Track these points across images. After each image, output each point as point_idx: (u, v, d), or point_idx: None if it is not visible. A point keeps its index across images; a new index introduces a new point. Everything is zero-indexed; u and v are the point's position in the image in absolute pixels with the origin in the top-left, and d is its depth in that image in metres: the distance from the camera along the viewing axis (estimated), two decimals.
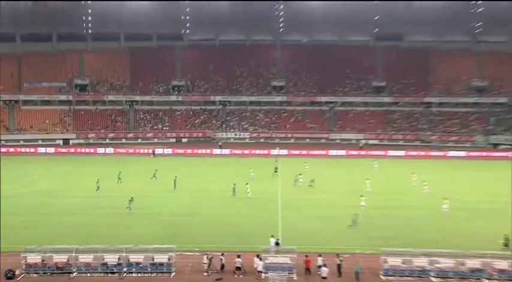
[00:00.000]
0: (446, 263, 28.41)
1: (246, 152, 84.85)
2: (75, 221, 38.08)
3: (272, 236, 31.54)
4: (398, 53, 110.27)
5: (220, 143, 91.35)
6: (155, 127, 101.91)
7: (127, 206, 40.98)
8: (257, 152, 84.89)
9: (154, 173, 55.78)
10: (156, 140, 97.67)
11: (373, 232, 35.56)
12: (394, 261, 28.67)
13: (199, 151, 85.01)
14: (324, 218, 39.75)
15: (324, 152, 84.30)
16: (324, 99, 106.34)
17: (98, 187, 48.45)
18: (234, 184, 47.08)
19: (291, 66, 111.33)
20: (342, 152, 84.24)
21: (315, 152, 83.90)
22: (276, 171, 57.76)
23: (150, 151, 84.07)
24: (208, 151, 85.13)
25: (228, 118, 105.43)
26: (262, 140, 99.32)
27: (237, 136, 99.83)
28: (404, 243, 32.10)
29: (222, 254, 29.65)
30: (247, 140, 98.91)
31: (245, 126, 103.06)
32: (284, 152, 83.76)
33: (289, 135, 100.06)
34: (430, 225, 38.51)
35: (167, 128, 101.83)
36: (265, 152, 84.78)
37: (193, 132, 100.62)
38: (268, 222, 38.00)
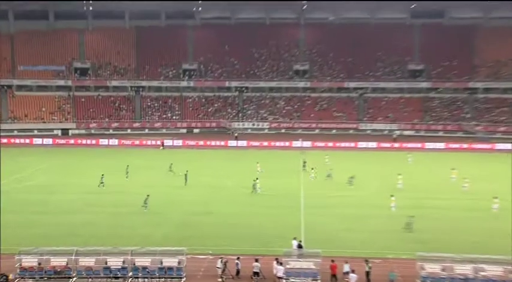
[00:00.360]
0: (493, 271, 27.74)
1: (265, 143, 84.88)
2: (74, 220, 38.42)
3: (294, 238, 31.37)
4: (439, 31, 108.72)
5: (236, 134, 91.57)
6: (164, 116, 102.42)
7: (143, 205, 41.16)
8: (277, 144, 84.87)
9: (171, 167, 56.22)
10: (164, 131, 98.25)
11: (407, 234, 35.14)
12: (433, 268, 28.16)
13: (213, 143, 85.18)
14: (352, 217, 39.53)
15: (352, 144, 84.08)
16: (352, 84, 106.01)
17: (102, 183, 48.79)
18: (256, 179, 47.06)
19: (316, 48, 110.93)
20: (373, 144, 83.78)
21: (342, 144, 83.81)
22: (304, 166, 57.74)
23: (159, 143, 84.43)
24: (222, 143, 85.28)
25: (245, 106, 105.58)
26: (283, 131, 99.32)
27: (254, 126, 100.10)
28: (444, 248, 31.78)
29: (238, 258, 29.68)
30: (266, 131, 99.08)
31: (264, 115, 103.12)
32: (308, 144, 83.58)
33: (314, 125, 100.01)
34: (474, 227, 37.86)
35: (177, 117, 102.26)
36: (287, 143, 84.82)
37: (206, 122, 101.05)
38: (290, 223, 37.90)
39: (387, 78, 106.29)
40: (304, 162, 58.82)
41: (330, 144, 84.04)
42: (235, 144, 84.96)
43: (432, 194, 47.13)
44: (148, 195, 41.20)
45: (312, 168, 55.39)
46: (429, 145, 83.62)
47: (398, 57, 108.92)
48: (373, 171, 60.24)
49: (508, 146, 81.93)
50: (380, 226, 37.49)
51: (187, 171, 52.02)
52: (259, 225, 37.92)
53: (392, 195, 40.41)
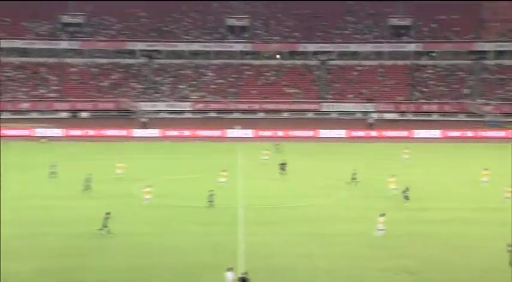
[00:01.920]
0: None
1: (187, 133, 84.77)
2: None
3: (230, 269, 31.03)
4: None
5: (144, 120, 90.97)
6: (34, 93, 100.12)
7: (207, 201, 44.48)
8: (205, 133, 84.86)
9: (52, 168, 55.30)
10: (35, 115, 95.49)
11: (390, 261, 35.08)
12: None
13: (110, 133, 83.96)
14: (313, 237, 39.60)
15: (311, 133, 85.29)
16: (311, 48, 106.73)
17: None
18: (211, 191, 47.38)
19: None
20: (341, 133, 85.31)
21: (297, 133, 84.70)
22: (283, 169, 58.04)
23: (28, 133, 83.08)
24: (124, 133, 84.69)
25: (157, 79, 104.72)
26: (212, 114, 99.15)
27: (171, 108, 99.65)
28: (440, 279, 32.37)
29: None
30: (188, 115, 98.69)
31: (185, 91, 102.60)
32: (248, 132, 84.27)
33: (256, 106, 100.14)
34: (490, 249, 38.58)
35: (55, 95, 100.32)
36: (218, 133, 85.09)
37: (99, 102, 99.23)
38: (224, 246, 37.74)
39: (360, 38, 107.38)
40: (283, 164, 58.58)
41: (280, 133, 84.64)
42: (143, 134, 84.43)
43: (451, 202, 48.19)
44: (212, 191, 42.50)
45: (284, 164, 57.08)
46: (419, 133, 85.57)
47: (375, 9, 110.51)
48: (342, 170, 60.24)
49: None
50: (355, 250, 37.33)
51: (90, 174, 51.58)
52: (180, 249, 37.07)
53: (382, 215, 40.60)
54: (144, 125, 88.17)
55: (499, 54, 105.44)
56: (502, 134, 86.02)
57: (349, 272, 33.94)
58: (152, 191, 46.96)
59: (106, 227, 39.59)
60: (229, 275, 30.29)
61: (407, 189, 47.34)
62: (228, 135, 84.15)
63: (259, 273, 32.36)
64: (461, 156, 69.75)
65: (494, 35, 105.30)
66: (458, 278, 32.83)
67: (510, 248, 32.49)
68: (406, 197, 47.20)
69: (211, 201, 46.09)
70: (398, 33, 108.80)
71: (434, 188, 52.77)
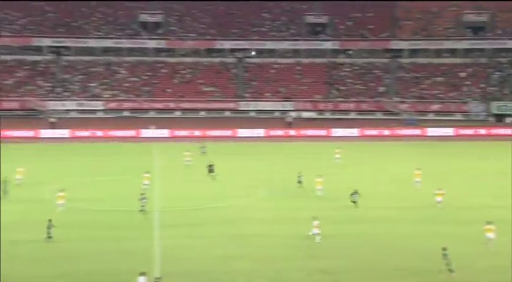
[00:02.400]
0: None
1: (99, 133, 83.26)
2: None
3: (142, 274, 30.37)
4: None
5: (52, 120, 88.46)
6: None
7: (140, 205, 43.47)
8: (118, 133, 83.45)
9: None
10: None
11: (309, 261, 35.34)
12: None
13: (16, 134, 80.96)
14: (232, 239, 39.73)
15: (229, 132, 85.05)
16: (227, 45, 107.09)
17: None
18: (143, 194, 45.72)
19: None
20: (259, 132, 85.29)
21: (214, 133, 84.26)
22: (211, 171, 56.51)
23: None
24: (31, 133, 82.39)
25: (66, 76, 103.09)
26: (126, 114, 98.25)
27: (81, 107, 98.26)
28: (355, 279, 33.03)
29: None
30: (100, 114, 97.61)
31: (96, 90, 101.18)
32: (164, 132, 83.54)
33: (172, 105, 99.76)
34: (406, 247, 38.65)
35: None
36: (133, 133, 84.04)
37: (3, 101, 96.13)
38: (138, 250, 37.43)
39: (277, 35, 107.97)
40: (211, 166, 57.19)
41: (197, 132, 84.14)
42: (51, 135, 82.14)
43: (369, 201, 48.05)
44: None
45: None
46: (337, 132, 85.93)
47: (291, 6, 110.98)
48: (262, 169, 61.02)
49: (445, 130, 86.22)
50: (273, 251, 37.60)
51: (6, 177, 49.63)
52: (91, 255, 36.41)
53: (315, 219, 40.09)
54: (53, 125, 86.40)
55: (413, 52, 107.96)
56: (417, 132, 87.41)
57: (266, 273, 34.26)
58: (65, 195, 45.77)
59: (49, 233, 39.21)
60: (142, 280, 30.35)
61: (355, 193, 46.34)
62: (143, 136, 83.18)
63: (175, 278, 32.76)
64: (387, 155, 70.66)
65: (409, 34, 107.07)
66: (376, 278, 33.36)
67: (444, 252, 32.77)
68: (354, 201, 46.11)
69: (143, 206, 45.05)
70: (314, 31, 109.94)
71: (361, 187, 52.41)
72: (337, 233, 40.41)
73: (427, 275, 33.30)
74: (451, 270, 31.87)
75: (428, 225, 42.68)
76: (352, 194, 45.94)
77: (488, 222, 36.82)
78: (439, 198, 46.15)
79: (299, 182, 52.78)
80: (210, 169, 56.19)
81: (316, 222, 38.50)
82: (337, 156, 64.85)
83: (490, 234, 36.22)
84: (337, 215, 44.24)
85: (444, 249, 32.57)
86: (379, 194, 51.13)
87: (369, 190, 50.22)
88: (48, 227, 38.98)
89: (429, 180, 53.67)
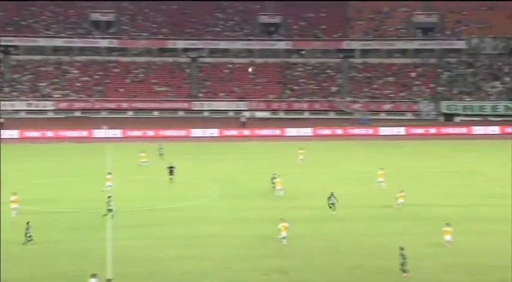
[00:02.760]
0: None
1: (50, 134, 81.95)
2: None
3: (93, 276, 30.19)
4: None
5: (1, 120, 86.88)
6: None
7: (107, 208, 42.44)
8: (70, 133, 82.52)
9: None
10: None
11: (262, 261, 35.44)
12: None
13: None
14: (186, 239, 39.58)
15: (183, 132, 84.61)
16: (181, 44, 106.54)
17: None
18: (108, 197, 44.68)
19: None
20: (213, 132, 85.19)
21: (168, 133, 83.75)
22: (171, 174, 54.99)
23: None
24: None
25: (15, 76, 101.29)
26: (77, 114, 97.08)
27: (31, 108, 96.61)
28: (310, 278, 33.04)
29: None
30: (50, 114, 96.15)
31: (46, 90, 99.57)
32: (116, 132, 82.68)
33: (125, 105, 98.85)
34: (361, 244, 38.98)
35: None
36: (84, 133, 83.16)
37: None
38: (91, 251, 37.11)
39: (231, 35, 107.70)
40: (171, 168, 56.19)
41: (150, 132, 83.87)
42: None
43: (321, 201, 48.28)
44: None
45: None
46: (291, 131, 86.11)
47: (245, 6, 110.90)
48: (217, 170, 61.08)
49: (396, 130, 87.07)
50: (227, 251, 37.64)
51: None
52: (42, 258, 35.94)
53: (283, 220, 39.80)
54: (1, 126, 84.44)
55: (365, 52, 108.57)
56: (370, 131, 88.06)
57: (221, 274, 34.28)
58: (18, 198, 44.89)
59: (28, 235, 38.75)
60: (93, 281, 30.26)
61: (332, 196, 45.41)
62: (95, 136, 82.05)
63: (128, 279, 32.71)
64: (342, 154, 71.17)
65: (360, 34, 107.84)
66: (333, 276, 33.59)
67: (402, 252, 33.00)
68: (332, 205, 45.17)
69: (110, 208, 44.21)
70: (268, 31, 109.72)
71: (315, 187, 52.73)
72: (295, 233, 40.17)
73: (387, 274, 33.48)
74: (404, 271, 32.14)
75: (383, 223, 43.11)
76: (329, 197, 44.93)
77: (448, 224, 37.07)
78: (400, 200, 46.38)
79: (273, 183, 51.48)
80: (171, 170, 55.33)
81: (282, 225, 37.82)
82: (301, 157, 64.62)
83: (448, 236, 36.53)
84: (296, 215, 44.06)
85: (402, 248, 32.77)
86: (337, 193, 51.64)
87: (326, 190, 50.61)
88: (27, 229, 38.55)
89: (385, 180, 54.08)
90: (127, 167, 61.67)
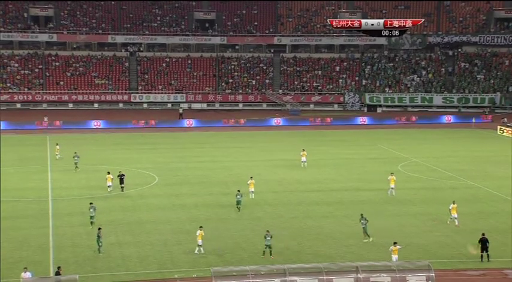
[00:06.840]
0: None
1: None
2: None
3: (25, 268, 30.08)
4: None
5: None
6: None
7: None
8: (10, 125, 79.62)
9: None
10: None
11: (202, 247, 35.90)
12: None
13: None
14: (124, 225, 40.12)
15: (122, 125, 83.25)
16: (119, 39, 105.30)
17: None
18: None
19: None
20: (152, 123, 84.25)
21: (107, 125, 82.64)
22: (122, 183, 48.49)
23: None
24: None
25: None
26: (18, 106, 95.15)
27: None
28: (244, 259, 33.87)
29: None
30: None
31: None
32: (57, 124, 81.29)
33: (65, 97, 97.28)
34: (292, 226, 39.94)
35: None
36: (25, 125, 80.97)
37: None
38: (31, 240, 36.78)
39: (168, 31, 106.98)
40: (121, 176, 53.15)
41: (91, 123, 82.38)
42: None
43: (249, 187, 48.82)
44: None
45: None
46: (227, 122, 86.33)
47: (181, 3, 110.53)
48: (153, 159, 61.20)
49: (323, 120, 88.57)
50: (163, 236, 38.12)
51: None
52: None
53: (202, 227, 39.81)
54: None
55: (295, 47, 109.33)
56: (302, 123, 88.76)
57: (159, 257, 34.73)
58: None
59: None
60: (27, 274, 29.93)
61: (239, 193, 43.48)
62: (37, 127, 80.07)
63: (71, 265, 32.85)
64: (274, 143, 71.81)
65: (290, 30, 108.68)
66: (258, 255, 34.54)
67: (363, 221, 36.66)
68: (238, 201, 43.40)
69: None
70: (204, 26, 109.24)
71: (248, 173, 53.18)
72: (229, 217, 41.61)
73: (314, 254, 34.72)
74: (368, 235, 36.10)
75: (306, 206, 44.37)
76: (236, 195, 43.44)
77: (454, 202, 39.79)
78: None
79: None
80: (121, 179, 48.43)
81: (198, 232, 35.36)
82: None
83: (454, 214, 39.48)
84: (225, 200, 45.16)
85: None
86: (265, 179, 52.31)
87: (259, 176, 51.25)
88: None
89: (311, 166, 55.77)
90: (66, 157, 58.92)
